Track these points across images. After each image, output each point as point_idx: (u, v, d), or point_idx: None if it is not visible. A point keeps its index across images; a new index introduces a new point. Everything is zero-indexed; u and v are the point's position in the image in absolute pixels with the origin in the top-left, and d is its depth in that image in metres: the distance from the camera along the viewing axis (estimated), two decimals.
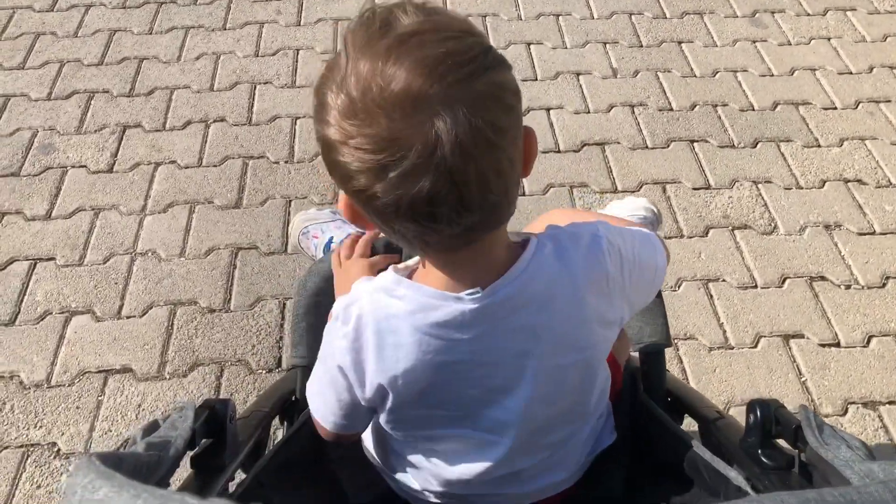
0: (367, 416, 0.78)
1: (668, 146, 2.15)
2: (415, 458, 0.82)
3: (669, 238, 1.89)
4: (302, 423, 0.88)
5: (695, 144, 2.15)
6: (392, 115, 0.52)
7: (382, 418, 0.75)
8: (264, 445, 0.88)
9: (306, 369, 0.95)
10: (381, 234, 0.92)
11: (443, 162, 0.52)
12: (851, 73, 2.40)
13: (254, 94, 2.30)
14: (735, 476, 0.70)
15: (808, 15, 2.62)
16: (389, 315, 0.66)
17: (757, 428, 0.70)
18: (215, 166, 2.07)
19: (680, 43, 2.50)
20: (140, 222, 1.92)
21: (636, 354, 1.00)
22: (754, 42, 2.51)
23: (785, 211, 1.97)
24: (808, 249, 1.87)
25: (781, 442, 0.71)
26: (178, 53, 2.45)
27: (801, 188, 2.03)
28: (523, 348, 0.67)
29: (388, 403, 0.71)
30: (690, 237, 1.90)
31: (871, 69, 2.41)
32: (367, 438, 0.91)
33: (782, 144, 2.15)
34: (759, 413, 0.70)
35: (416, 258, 0.71)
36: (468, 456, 0.77)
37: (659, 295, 0.94)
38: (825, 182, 2.04)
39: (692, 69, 2.40)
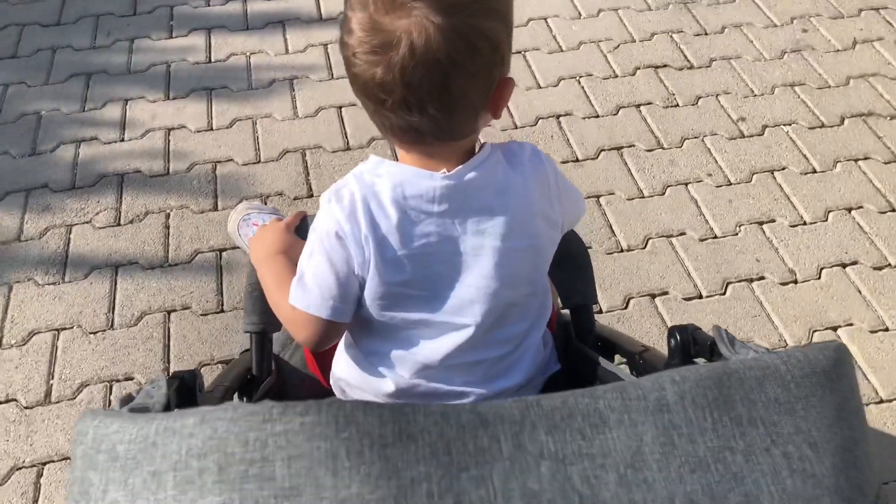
0: (356, 297, 0.82)
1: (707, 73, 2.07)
2: (391, 348, 0.87)
3: (705, 239, 1.82)
4: (263, 392, 0.96)
5: (719, 97, 2.08)
6: (378, 7, 0.67)
7: (367, 293, 0.81)
8: None
9: (260, 336, 1.02)
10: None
11: (397, 61, 0.66)
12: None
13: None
14: None
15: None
16: (375, 190, 0.77)
17: (678, 350, 0.77)
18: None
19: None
20: None
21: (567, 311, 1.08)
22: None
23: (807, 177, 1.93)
24: (831, 237, 1.85)
25: (702, 361, 0.77)
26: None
27: (825, 127, 2.01)
28: (482, 227, 0.79)
29: (371, 270, 0.79)
30: (724, 236, 1.84)
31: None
32: (340, 360, 0.96)
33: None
34: (678, 337, 0.77)
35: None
36: (437, 338, 0.85)
37: (586, 255, 1.06)
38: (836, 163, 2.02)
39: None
